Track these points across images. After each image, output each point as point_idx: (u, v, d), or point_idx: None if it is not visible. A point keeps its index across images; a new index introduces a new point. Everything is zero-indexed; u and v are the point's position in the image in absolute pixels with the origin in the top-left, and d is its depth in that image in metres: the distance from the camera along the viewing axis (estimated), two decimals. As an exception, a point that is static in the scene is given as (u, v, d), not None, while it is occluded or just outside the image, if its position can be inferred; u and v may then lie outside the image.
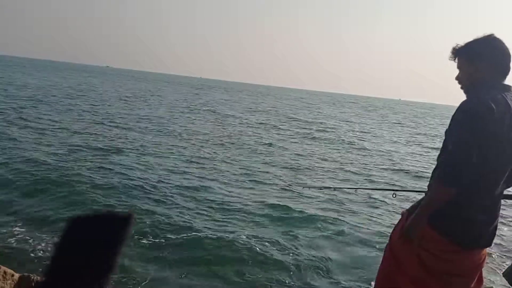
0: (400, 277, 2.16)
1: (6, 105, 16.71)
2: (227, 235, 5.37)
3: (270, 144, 13.97)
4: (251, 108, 31.71)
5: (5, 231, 4.82)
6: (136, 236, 4.90)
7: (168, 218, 5.80)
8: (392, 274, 2.21)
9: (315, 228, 6.12)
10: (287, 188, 8.34)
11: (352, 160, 12.60)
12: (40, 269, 3.83)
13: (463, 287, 2.14)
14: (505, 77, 2.09)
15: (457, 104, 2.06)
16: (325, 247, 5.43)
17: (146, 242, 4.90)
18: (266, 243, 5.27)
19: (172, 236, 5.19)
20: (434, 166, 2.11)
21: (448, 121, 2.01)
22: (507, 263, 4.95)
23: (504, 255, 5.59)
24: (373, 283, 2.69)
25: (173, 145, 11.90)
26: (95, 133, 12.47)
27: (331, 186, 7.79)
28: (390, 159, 13.53)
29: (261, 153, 12.19)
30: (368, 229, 6.31)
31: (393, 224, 2.38)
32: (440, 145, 2.13)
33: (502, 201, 2.19)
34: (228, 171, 9.28)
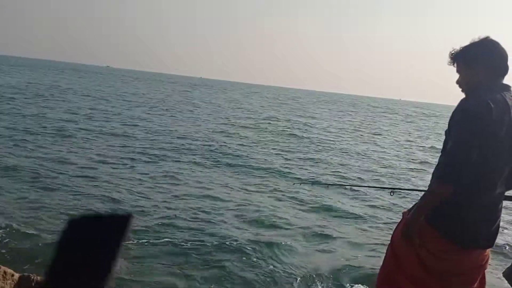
0: (400, 277, 2.16)
1: None
2: (225, 237, 5.38)
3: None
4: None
5: (5, 231, 4.82)
6: (135, 237, 4.90)
7: (167, 219, 5.80)
8: (393, 274, 2.22)
9: (312, 228, 6.12)
10: (281, 186, 8.35)
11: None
12: (40, 269, 3.83)
13: (463, 287, 2.14)
14: (503, 78, 2.11)
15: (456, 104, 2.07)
16: (325, 247, 5.43)
17: (146, 243, 4.90)
18: (262, 243, 5.28)
19: (172, 237, 5.19)
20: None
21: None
22: (507, 263, 4.94)
23: (504, 255, 5.59)
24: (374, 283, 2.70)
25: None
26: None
27: (333, 183, 7.79)
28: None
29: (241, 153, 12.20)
30: (367, 228, 6.31)
31: (392, 223, 2.39)
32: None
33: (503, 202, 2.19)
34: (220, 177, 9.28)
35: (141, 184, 7.46)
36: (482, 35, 2.14)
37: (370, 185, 9.05)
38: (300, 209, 6.94)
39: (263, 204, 6.94)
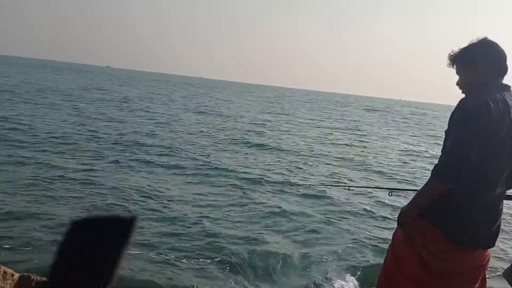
0: (401, 277, 2.16)
1: None
2: (237, 238, 5.38)
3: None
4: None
5: (5, 231, 4.82)
6: (139, 239, 4.89)
7: (170, 220, 5.81)
8: (393, 274, 2.22)
9: (312, 228, 6.12)
10: (280, 187, 8.35)
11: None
12: (40, 269, 3.83)
13: (464, 287, 2.14)
14: (502, 78, 2.12)
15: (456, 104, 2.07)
16: (324, 247, 5.42)
17: (149, 244, 4.90)
18: (261, 243, 5.29)
19: (173, 237, 5.19)
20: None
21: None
22: (507, 263, 4.94)
23: (504, 255, 5.59)
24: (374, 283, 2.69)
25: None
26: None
27: (332, 185, 7.79)
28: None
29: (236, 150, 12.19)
30: (367, 229, 6.31)
31: (392, 223, 2.40)
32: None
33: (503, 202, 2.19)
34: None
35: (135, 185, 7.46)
36: (481, 36, 2.16)
37: (369, 185, 9.06)
38: (301, 209, 6.94)
39: (267, 204, 6.94)
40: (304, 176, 9.76)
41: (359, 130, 22.05)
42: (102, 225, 0.49)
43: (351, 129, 22.30)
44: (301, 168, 10.56)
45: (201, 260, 4.67)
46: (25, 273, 3.08)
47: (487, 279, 2.28)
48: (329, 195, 7.85)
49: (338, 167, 11.19)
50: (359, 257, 5.19)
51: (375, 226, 6.52)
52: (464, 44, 2.17)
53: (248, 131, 16.49)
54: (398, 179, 10.49)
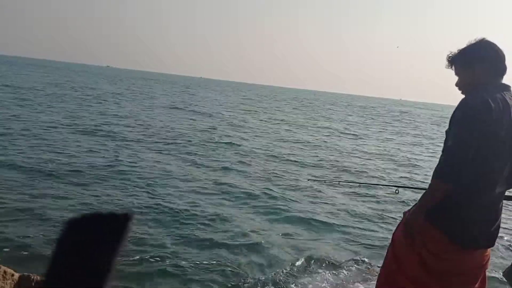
0: (401, 277, 2.17)
1: None
2: (230, 235, 5.38)
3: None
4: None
5: (5, 230, 4.82)
6: (136, 237, 4.90)
7: (168, 219, 5.81)
8: (393, 274, 2.22)
9: (313, 224, 6.12)
10: (285, 181, 8.36)
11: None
12: (40, 269, 3.83)
13: (464, 287, 2.14)
14: (502, 78, 2.12)
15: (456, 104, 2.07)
16: (324, 245, 5.42)
17: (146, 243, 4.90)
18: (264, 238, 5.29)
19: (172, 237, 5.19)
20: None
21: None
22: (507, 263, 4.94)
23: (504, 255, 5.59)
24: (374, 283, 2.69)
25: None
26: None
27: (336, 180, 7.79)
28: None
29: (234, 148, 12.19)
30: (369, 227, 6.31)
31: (395, 222, 2.40)
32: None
33: (503, 202, 2.19)
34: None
35: (135, 181, 7.47)
36: (479, 36, 2.17)
37: (375, 183, 9.07)
38: (304, 203, 6.95)
39: (268, 193, 6.95)
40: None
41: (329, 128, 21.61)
42: (99, 223, 0.49)
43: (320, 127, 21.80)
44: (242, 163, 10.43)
45: (198, 258, 4.67)
46: (25, 273, 3.09)
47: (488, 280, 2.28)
48: (331, 191, 7.86)
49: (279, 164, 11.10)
50: (359, 256, 5.18)
51: (376, 224, 6.52)
52: (463, 44, 2.18)
53: (204, 130, 15.98)
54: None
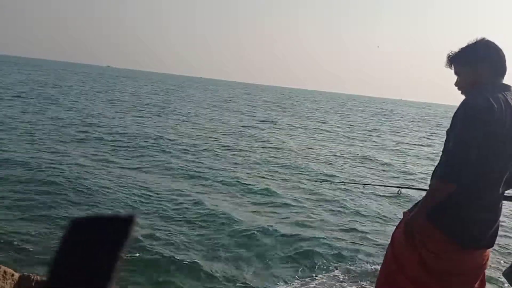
0: (401, 277, 2.16)
1: None
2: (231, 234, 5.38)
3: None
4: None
5: (5, 230, 4.82)
6: (139, 238, 4.89)
7: (169, 220, 5.81)
8: (393, 274, 2.22)
9: (314, 225, 6.12)
10: (287, 182, 8.37)
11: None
12: (40, 269, 3.83)
13: (464, 287, 2.14)
14: (503, 77, 2.12)
15: (457, 104, 2.07)
16: (324, 245, 5.41)
17: (148, 244, 4.90)
18: (264, 236, 5.30)
19: (173, 237, 5.19)
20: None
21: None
22: (507, 263, 4.94)
23: (504, 255, 5.59)
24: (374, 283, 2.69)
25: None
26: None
27: (340, 181, 7.79)
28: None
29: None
30: (371, 227, 6.31)
31: (393, 221, 2.40)
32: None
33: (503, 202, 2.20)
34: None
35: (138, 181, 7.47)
36: (479, 36, 2.16)
37: (378, 183, 9.07)
38: (307, 204, 6.95)
39: (269, 193, 6.95)
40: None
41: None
42: (102, 224, 0.49)
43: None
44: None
45: (196, 257, 4.67)
46: (25, 273, 3.09)
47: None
48: (327, 191, 7.85)
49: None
50: (358, 256, 5.18)
51: (377, 224, 6.52)
52: (464, 44, 2.17)
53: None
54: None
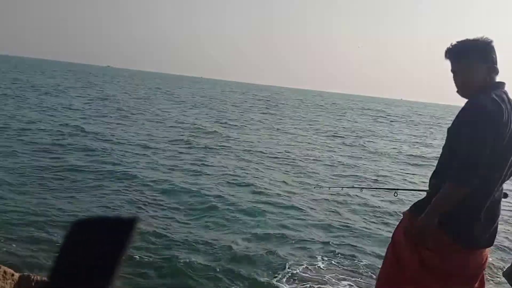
0: (401, 277, 2.16)
1: None
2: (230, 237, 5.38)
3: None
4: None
5: (5, 230, 4.82)
6: (140, 240, 4.89)
7: (171, 222, 5.81)
8: (393, 274, 2.21)
9: (313, 227, 6.12)
10: (280, 187, 8.36)
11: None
12: (40, 269, 3.83)
13: (464, 287, 2.14)
14: (497, 76, 2.10)
15: (458, 103, 2.06)
16: (324, 246, 5.42)
17: (149, 245, 4.90)
18: (261, 243, 5.29)
19: (174, 239, 5.20)
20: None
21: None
22: (507, 263, 4.94)
23: (504, 255, 5.59)
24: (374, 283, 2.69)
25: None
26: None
27: (339, 186, 7.78)
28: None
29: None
30: (370, 229, 6.31)
31: (392, 222, 2.40)
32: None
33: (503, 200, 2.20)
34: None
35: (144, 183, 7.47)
36: (484, 35, 2.12)
37: (374, 186, 9.06)
38: (308, 208, 6.95)
39: (265, 201, 6.95)
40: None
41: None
42: (103, 225, 0.49)
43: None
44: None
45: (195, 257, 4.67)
46: (25, 273, 3.09)
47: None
48: (327, 195, 7.85)
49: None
50: (358, 256, 5.18)
51: (376, 225, 6.52)
52: (469, 41, 2.10)
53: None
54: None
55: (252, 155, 11.62)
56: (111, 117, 17.14)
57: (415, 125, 32.45)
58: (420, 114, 51.10)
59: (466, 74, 2.09)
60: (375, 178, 10.33)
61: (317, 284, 4.39)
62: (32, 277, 3.00)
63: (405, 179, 10.62)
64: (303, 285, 4.36)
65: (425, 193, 2.25)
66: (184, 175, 8.52)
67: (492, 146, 1.90)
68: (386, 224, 6.58)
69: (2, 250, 4.37)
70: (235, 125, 18.83)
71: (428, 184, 2.19)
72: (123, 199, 6.51)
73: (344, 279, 4.56)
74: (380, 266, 2.42)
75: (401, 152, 15.59)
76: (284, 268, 4.64)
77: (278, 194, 7.79)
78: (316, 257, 5.04)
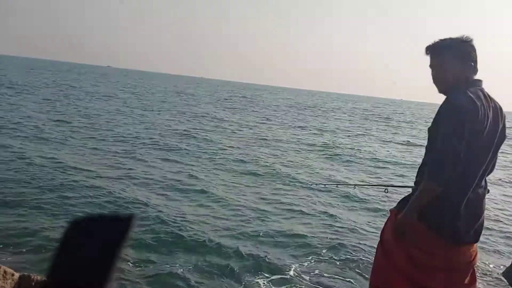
0: (393, 273, 2.18)
1: None
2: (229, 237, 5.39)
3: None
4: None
5: (5, 230, 4.83)
6: (137, 238, 4.90)
7: (169, 220, 5.82)
8: (385, 272, 2.24)
9: (305, 226, 6.11)
10: (278, 185, 8.38)
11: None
12: (40, 269, 3.84)
13: (452, 283, 2.15)
14: (475, 74, 2.15)
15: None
16: (318, 244, 5.41)
17: (148, 243, 4.91)
18: (254, 241, 5.30)
19: (173, 237, 5.20)
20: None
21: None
22: (507, 263, 4.94)
23: (503, 255, 5.59)
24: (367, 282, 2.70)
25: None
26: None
27: (333, 183, 7.81)
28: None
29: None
30: (361, 227, 6.31)
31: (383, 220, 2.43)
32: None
33: (503, 199, 2.21)
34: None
35: (143, 183, 7.48)
36: (466, 34, 2.17)
37: (364, 183, 9.10)
38: (301, 207, 6.95)
39: (260, 197, 6.96)
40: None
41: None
42: (101, 224, 0.50)
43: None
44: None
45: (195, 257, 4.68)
46: (25, 273, 3.10)
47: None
48: (317, 192, 7.84)
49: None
50: (352, 255, 5.17)
51: (368, 223, 6.52)
52: (451, 39, 2.17)
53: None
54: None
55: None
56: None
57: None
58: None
59: (440, 70, 2.14)
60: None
61: (313, 284, 4.39)
62: (32, 277, 3.01)
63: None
64: (298, 285, 4.36)
65: None
66: (175, 176, 8.54)
67: (467, 143, 1.93)
68: (378, 220, 6.56)
69: (2, 250, 4.37)
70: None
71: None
72: (123, 198, 6.52)
73: (340, 277, 4.56)
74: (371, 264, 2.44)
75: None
76: (278, 269, 4.63)
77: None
78: (308, 255, 5.04)
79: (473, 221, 2.11)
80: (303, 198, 7.60)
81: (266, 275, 4.46)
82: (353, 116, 35.18)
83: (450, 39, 2.13)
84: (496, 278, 4.77)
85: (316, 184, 7.65)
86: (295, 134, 17.72)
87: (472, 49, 2.13)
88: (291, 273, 4.55)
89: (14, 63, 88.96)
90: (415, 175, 2.24)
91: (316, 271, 4.65)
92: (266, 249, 5.09)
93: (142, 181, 7.69)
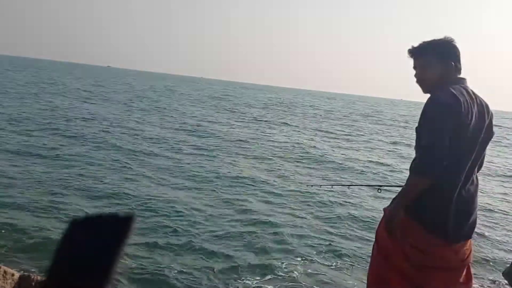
0: (390, 272, 2.18)
1: None
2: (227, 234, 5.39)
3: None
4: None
5: (5, 230, 4.83)
6: (137, 237, 4.90)
7: (168, 219, 5.82)
8: (382, 271, 2.24)
9: (299, 226, 6.10)
10: (270, 185, 8.37)
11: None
12: (40, 269, 3.84)
13: (447, 281, 2.15)
14: (458, 73, 2.18)
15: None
16: (312, 246, 5.40)
17: (148, 243, 4.91)
18: (257, 239, 5.30)
19: (172, 236, 5.21)
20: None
21: None
22: (507, 263, 4.95)
23: (503, 255, 5.59)
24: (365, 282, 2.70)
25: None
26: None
27: (327, 184, 7.81)
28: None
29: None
30: (355, 227, 6.30)
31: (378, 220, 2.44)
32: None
33: (503, 199, 2.22)
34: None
35: (142, 182, 7.48)
36: (448, 35, 2.21)
37: (357, 183, 9.12)
38: (295, 206, 6.95)
39: (251, 200, 6.95)
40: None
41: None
42: (101, 223, 0.50)
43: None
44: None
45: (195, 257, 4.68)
46: (25, 273, 3.10)
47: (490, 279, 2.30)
48: (314, 194, 7.83)
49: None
50: (348, 255, 5.17)
51: (361, 223, 6.51)
52: (436, 40, 2.20)
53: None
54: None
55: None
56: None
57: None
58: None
59: (422, 70, 2.18)
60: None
61: (309, 285, 4.39)
62: (32, 277, 3.02)
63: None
64: (296, 285, 4.36)
65: None
66: (175, 173, 8.54)
67: (453, 137, 1.95)
68: (373, 219, 6.54)
69: (2, 250, 4.38)
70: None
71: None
72: (123, 198, 6.52)
73: (339, 277, 4.56)
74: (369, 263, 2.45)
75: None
76: (276, 268, 4.63)
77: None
78: (305, 255, 5.04)
79: (465, 219, 2.11)
80: (296, 199, 7.58)
81: (261, 276, 4.46)
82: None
83: (432, 40, 2.17)
84: (496, 278, 4.77)
85: (311, 186, 7.65)
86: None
87: (454, 49, 2.17)
88: (288, 274, 4.55)
89: (52, 68, 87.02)
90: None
91: (313, 272, 4.65)
92: (262, 250, 5.09)
93: (144, 181, 7.69)
